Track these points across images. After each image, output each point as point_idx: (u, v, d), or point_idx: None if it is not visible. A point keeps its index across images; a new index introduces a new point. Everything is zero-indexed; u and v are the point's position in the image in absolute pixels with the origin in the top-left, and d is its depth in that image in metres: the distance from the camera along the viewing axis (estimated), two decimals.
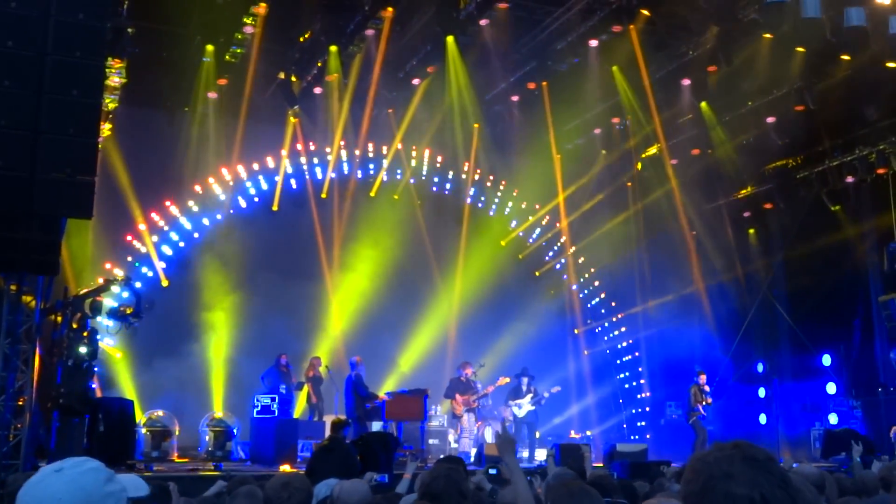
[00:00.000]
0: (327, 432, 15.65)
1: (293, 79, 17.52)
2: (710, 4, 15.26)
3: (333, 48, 16.80)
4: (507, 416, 16.79)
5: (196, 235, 17.53)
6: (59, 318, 12.05)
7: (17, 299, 10.04)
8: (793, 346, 19.55)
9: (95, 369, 12.81)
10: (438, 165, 20.20)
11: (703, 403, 15.65)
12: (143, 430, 14.82)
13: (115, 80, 15.02)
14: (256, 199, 18.33)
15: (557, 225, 21.16)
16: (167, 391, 16.31)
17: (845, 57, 15.57)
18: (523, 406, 16.35)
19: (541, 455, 15.99)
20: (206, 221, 17.64)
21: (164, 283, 17.14)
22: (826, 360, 18.45)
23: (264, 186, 18.35)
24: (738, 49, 16.23)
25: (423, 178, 20.16)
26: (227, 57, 16.79)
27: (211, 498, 5.57)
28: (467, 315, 19.40)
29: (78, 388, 11.78)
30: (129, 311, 13.02)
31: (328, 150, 18.88)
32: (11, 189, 9.02)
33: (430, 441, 16.10)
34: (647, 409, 20.67)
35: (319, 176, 18.98)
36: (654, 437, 19.64)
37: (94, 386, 13.22)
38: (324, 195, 19.00)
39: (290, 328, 17.26)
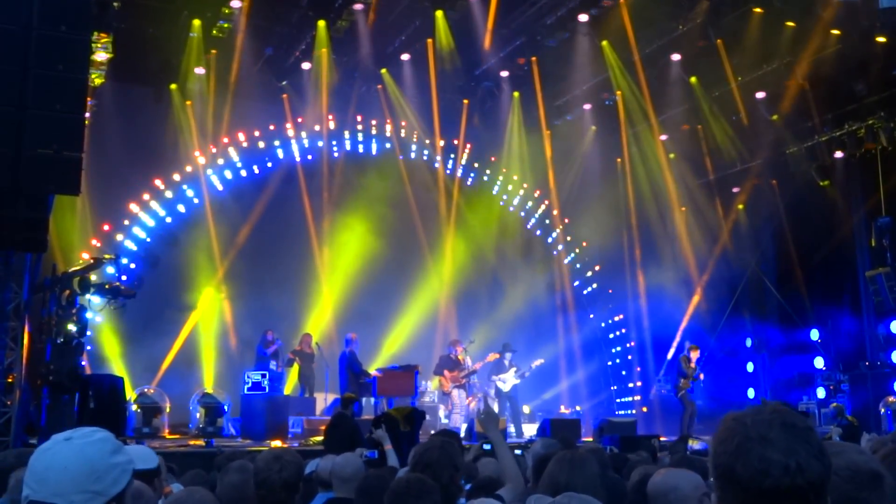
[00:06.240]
0: (318, 409, 15.81)
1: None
2: None
3: (321, 23, 16.69)
4: (491, 391, 16.81)
5: (183, 210, 17.43)
6: (48, 296, 12.01)
7: (6, 277, 10.00)
8: (781, 321, 19.65)
9: (87, 347, 12.79)
10: (427, 141, 20.10)
11: (693, 379, 15.69)
12: (134, 407, 14.86)
13: (101, 56, 14.85)
14: (244, 175, 18.21)
15: (547, 201, 21.16)
16: (157, 368, 16.34)
17: (835, 32, 15.54)
18: (507, 381, 16.37)
19: (529, 430, 16.07)
20: (194, 198, 17.54)
21: (152, 260, 17.08)
22: (814, 334, 18.54)
23: (252, 162, 18.23)
24: (728, 23, 16.18)
25: (413, 153, 20.07)
26: (215, 32, 16.59)
27: (202, 472, 5.58)
28: (458, 291, 19.44)
29: (68, 364, 11.75)
30: (118, 288, 12.98)
31: (317, 125, 18.77)
32: None
33: None
34: (639, 383, 20.77)
35: (308, 152, 18.87)
36: (644, 411, 19.78)
37: (83, 363, 13.21)
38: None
39: (279, 304, 17.28)
